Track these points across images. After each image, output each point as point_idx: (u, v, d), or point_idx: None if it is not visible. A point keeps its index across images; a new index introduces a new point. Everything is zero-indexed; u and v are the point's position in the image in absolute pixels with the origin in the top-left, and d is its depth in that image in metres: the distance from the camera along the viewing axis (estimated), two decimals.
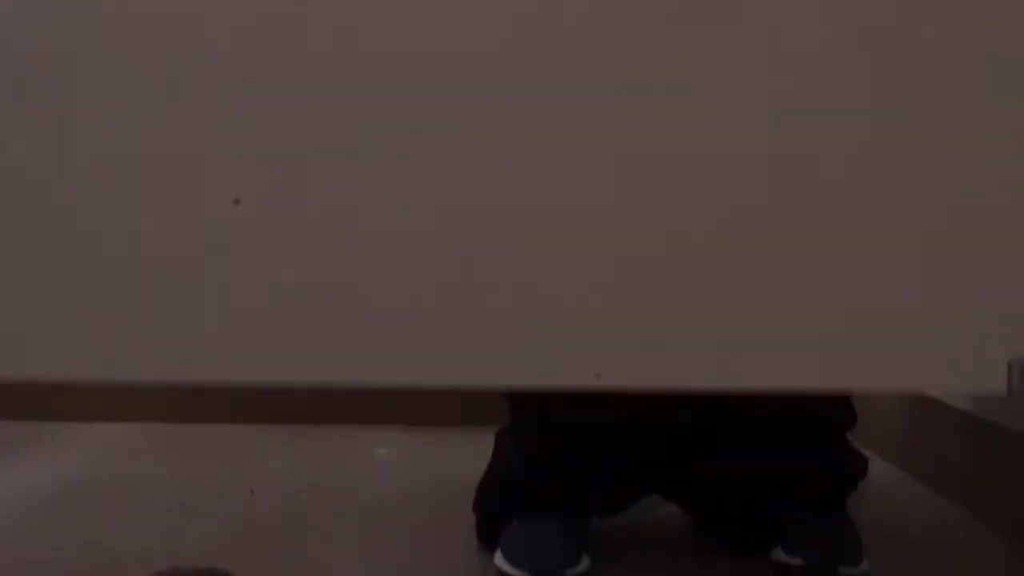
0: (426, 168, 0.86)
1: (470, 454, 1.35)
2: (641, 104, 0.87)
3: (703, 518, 1.35)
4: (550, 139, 0.86)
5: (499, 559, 1.25)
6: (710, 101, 0.87)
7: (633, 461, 1.30)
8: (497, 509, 1.30)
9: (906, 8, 0.87)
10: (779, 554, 1.20)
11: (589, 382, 0.88)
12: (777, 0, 0.86)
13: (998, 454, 1.43)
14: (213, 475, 1.80)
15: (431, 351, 0.87)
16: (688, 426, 1.31)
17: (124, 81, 0.85)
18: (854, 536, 1.22)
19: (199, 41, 0.86)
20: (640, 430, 1.30)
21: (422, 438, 2.02)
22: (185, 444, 2.00)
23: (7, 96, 0.86)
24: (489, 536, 1.31)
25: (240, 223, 0.86)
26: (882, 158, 0.87)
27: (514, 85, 0.86)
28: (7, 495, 1.61)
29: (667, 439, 1.30)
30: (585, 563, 1.22)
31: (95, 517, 1.53)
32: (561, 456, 1.27)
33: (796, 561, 1.17)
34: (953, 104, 0.88)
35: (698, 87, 0.87)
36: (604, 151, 0.86)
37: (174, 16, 0.85)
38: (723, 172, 0.87)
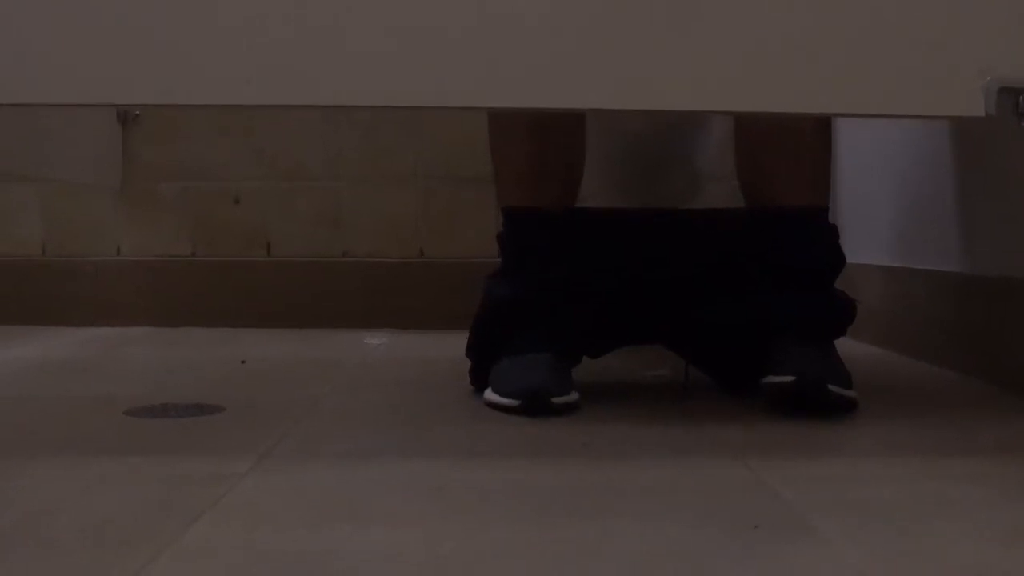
0: None
1: (458, 348, 1.34)
2: None
3: (693, 357, 1.35)
4: None
5: (488, 393, 1.24)
6: None
7: (621, 299, 1.30)
8: (489, 348, 1.29)
9: None
10: (770, 377, 1.19)
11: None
12: None
13: (977, 309, 1.43)
14: (202, 352, 1.80)
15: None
16: (675, 265, 1.31)
17: None
18: (843, 366, 1.22)
19: None
20: (628, 268, 1.31)
21: (410, 336, 2.02)
22: (175, 337, 1.99)
23: None
24: (483, 379, 1.29)
25: None
26: None
27: None
28: None
29: (656, 276, 1.30)
30: (574, 395, 1.21)
31: (82, 375, 1.53)
32: (549, 291, 1.27)
33: (787, 379, 1.16)
34: None
35: None
36: None
37: None
38: None
